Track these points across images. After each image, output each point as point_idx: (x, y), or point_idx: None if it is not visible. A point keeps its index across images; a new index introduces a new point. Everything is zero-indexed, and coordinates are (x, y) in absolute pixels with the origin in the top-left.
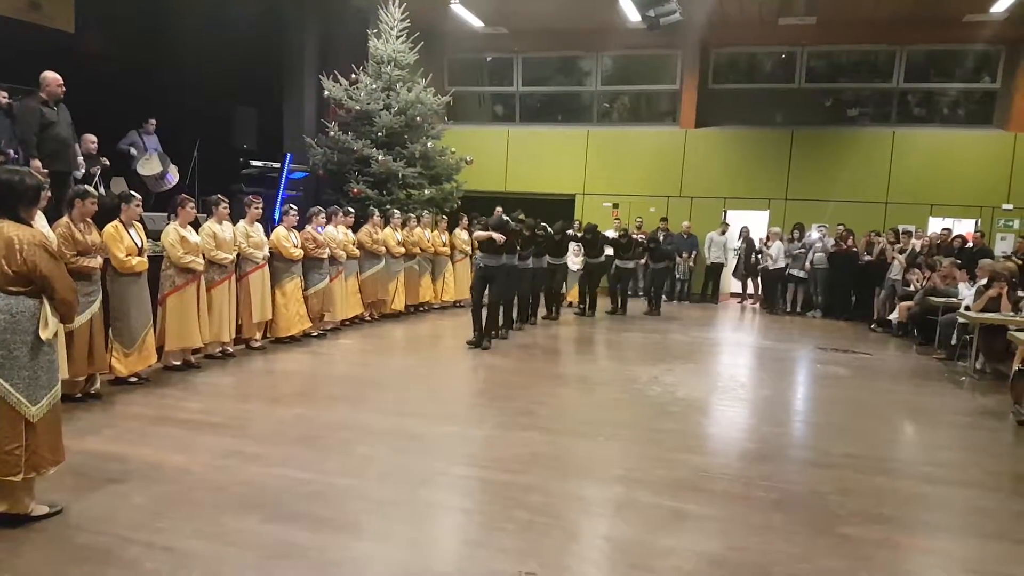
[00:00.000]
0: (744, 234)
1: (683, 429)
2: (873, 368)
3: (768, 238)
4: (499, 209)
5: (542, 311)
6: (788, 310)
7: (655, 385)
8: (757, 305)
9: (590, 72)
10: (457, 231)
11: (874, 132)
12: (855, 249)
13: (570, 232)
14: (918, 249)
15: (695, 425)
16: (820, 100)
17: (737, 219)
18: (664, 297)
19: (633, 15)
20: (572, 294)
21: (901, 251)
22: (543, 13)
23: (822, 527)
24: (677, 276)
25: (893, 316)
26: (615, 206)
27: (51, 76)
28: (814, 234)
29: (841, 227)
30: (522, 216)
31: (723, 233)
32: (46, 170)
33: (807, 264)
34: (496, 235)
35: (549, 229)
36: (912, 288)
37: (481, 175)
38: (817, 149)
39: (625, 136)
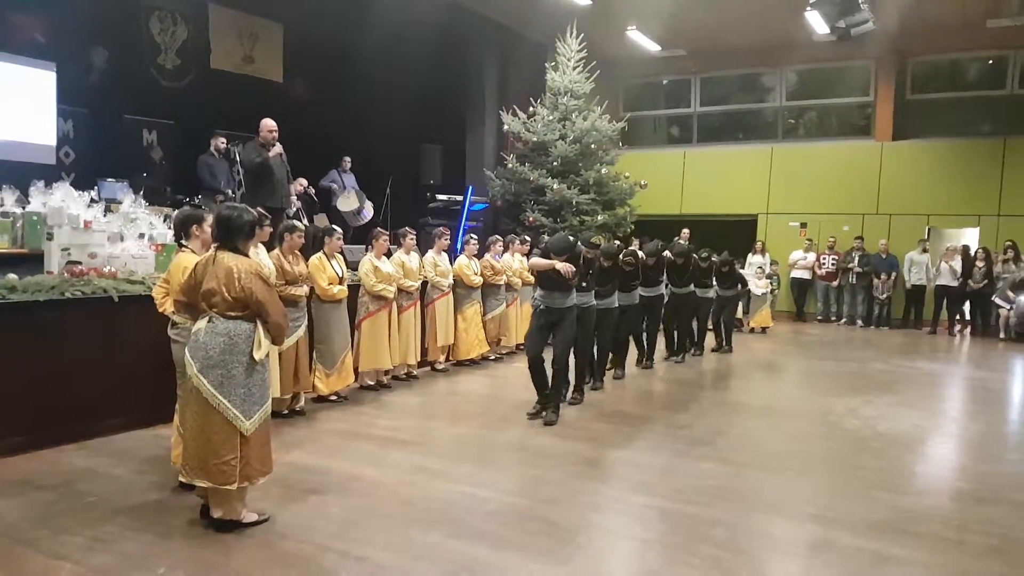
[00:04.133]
0: (962, 252)
1: (885, 466)
2: None
3: (945, 255)
4: (685, 232)
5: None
6: (1002, 336)
7: (852, 418)
8: (967, 331)
9: (773, 88)
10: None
11: None
12: None
13: (667, 255)
14: None
15: (899, 462)
16: None
17: (942, 237)
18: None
19: (820, 27)
20: (759, 319)
21: None
22: (723, 32)
23: None
24: (876, 299)
25: None
26: (803, 225)
27: (264, 123)
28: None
29: None
30: (596, 239)
31: (924, 252)
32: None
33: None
34: (562, 265)
35: (641, 254)
36: None
37: (656, 199)
38: None
39: (813, 152)
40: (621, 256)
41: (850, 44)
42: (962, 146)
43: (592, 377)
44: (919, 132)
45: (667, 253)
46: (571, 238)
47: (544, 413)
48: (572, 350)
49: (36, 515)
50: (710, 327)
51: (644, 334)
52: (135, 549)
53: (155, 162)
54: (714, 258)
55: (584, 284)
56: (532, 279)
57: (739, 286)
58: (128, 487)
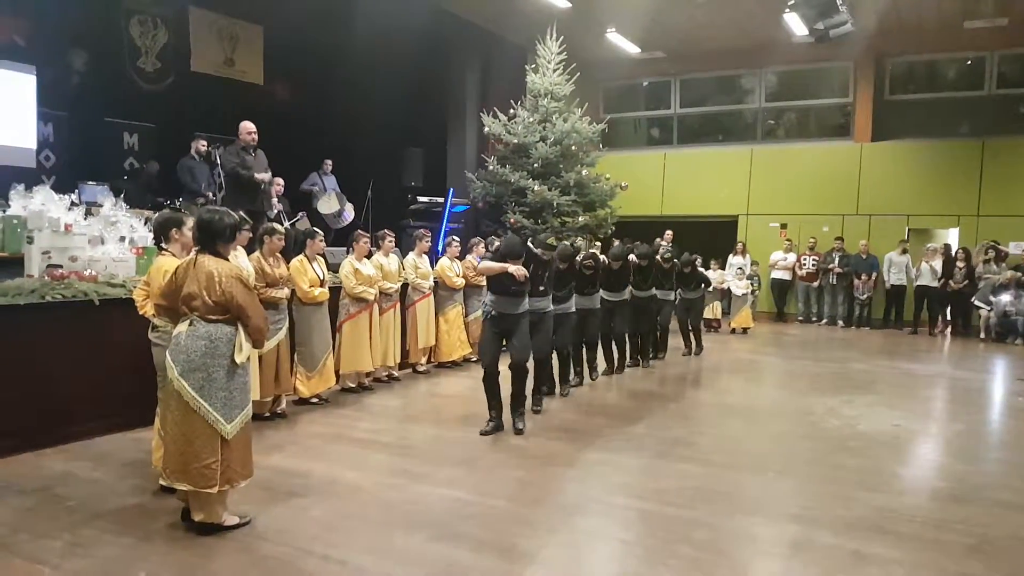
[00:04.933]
0: (944, 252)
1: (865, 465)
2: None
3: (926, 255)
4: (669, 233)
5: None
6: (983, 337)
7: (833, 418)
8: (948, 331)
9: (753, 89)
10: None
11: None
12: None
13: (632, 258)
14: None
15: (879, 461)
16: (1013, 107)
17: (924, 238)
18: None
19: (799, 29)
20: (740, 320)
21: None
22: (702, 34)
23: None
24: (857, 299)
25: None
26: (783, 226)
27: (243, 125)
28: (1004, 297)
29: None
30: (552, 240)
31: (903, 253)
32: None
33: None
34: (515, 269)
35: (601, 256)
36: None
37: (637, 200)
38: (1013, 160)
39: (792, 153)
40: (580, 259)
41: (829, 46)
42: (941, 147)
43: (558, 384)
44: (898, 133)
45: (632, 257)
46: (528, 243)
47: (516, 423)
48: (532, 356)
49: (15, 519)
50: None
51: (612, 341)
52: (115, 553)
53: (146, 169)
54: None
55: (541, 288)
56: None
57: (702, 286)
58: (108, 491)
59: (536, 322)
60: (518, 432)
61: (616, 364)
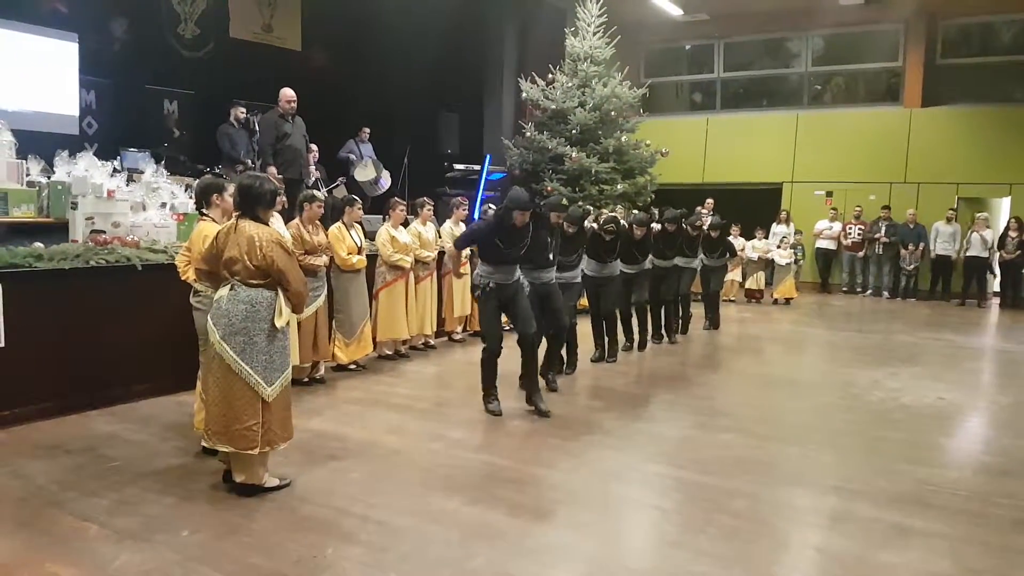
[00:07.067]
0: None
1: (908, 439)
2: None
3: (976, 225)
4: (710, 202)
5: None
6: None
7: (876, 390)
8: (997, 303)
9: (799, 53)
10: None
11: None
12: None
13: (655, 226)
14: None
15: (923, 434)
16: None
17: (973, 207)
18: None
19: None
20: (783, 290)
21: None
22: None
23: None
24: (903, 270)
25: None
26: (829, 194)
27: (284, 92)
28: None
29: None
30: (565, 202)
31: (949, 222)
32: (280, 176)
33: None
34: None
35: (622, 221)
36: None
37: (677, 167)
38: None
39: (839, 119)
40: (602, 223)
41: (879, 7)
42: (994, 113)
43: (564, 361)
44: (950, 98)
45: (655, 225)
46: (526, 195)
47: (537, 406)
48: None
49: (64, 478)
50: (698, 297)
51: (633, 314)
52: (159, 511)
53: (175, 133)
54: (707, 220)
55: (551, 258)
56: None
57: (727, 255)
58: (152, 452)
59: (548, 292)
60: (543, 414)
61: (639, 339)
